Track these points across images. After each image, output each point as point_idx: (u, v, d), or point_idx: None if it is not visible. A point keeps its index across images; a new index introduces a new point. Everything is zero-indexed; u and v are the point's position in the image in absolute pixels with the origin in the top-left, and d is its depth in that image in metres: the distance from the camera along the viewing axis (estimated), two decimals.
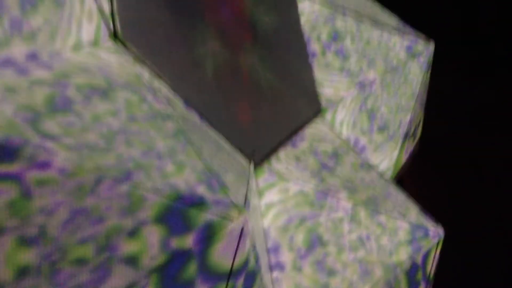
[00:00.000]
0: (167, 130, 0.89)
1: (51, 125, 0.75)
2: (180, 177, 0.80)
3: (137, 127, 0.85)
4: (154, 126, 0.87)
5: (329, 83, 1.59)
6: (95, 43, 0.97)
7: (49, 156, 0.70)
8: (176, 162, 0.80)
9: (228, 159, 1.08)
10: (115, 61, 0.95)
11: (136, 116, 0.87)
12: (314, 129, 1.50)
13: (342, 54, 1.62)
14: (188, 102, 1.09)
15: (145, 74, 1.02)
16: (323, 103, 1.53)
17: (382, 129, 1.61)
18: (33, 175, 0.68)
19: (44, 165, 0.69)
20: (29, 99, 0.76)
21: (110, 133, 0.80)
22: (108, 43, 1.00)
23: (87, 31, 0.94)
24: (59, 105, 0.79)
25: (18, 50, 0.80)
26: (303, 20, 1.68)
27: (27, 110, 0.74)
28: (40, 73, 0.82)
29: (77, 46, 0.92)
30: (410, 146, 1.78)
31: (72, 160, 0.72)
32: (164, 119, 0.91)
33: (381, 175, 1.55)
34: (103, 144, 0.78)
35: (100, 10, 0.98)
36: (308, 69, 1.59)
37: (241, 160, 1.15)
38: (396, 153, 1.61)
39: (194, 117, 1.10)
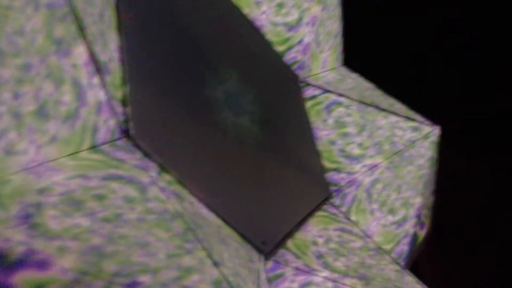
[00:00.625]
0: (175, 229, 0.90)
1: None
2: (189, 280, 0.79)
3: (146, 227, 0.86)
4: (162, 225, 0.88)
5: (336, 167, 1.60)
6: (108, 142, 1.00)
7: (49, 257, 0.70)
8: (183, 267, 0.80)
9: (237, 253, 1.08)
10: (125, 159, 0.98)
11: (144, 216, 0.88)
12: (323, 215, 1.50)
13: (348, 139, 1.65)
14: (198, 196, 1.10)
15: (155, 170, 1.04)
16: (331, 188, 1.54)
17: (391, 212, 1.60)
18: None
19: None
20: None
21: (116, 235, 0.81)
22: (120, 141, 1.03)
23: (102, 132, 0.98)
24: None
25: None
26: (308, 104, 1.73)
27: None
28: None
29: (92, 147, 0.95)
30: (422, 230, 1.75)
31: (77, 264, 0.72)
32: (173, 217, 0.92)
33: (394, 261, 1.53)
34: (109, 247, 0.78)
35: (113, 110, 1.02)
36: (315, 154, 1.61)
37: (251, 252, 1.15)
38: (408, 237, 1.59)
39: (202, 210, 1.10)
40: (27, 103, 0.82)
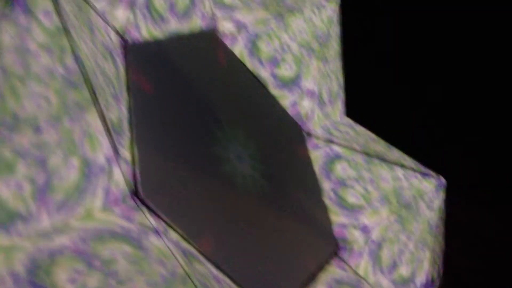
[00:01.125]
0: None
1: None
2: None
3: None
4: None
5: (343, 221, 1.60)
6: (117, 202, 1.00)
7: None
8: None
9: None
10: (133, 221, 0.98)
11: (154, 280, 0.87)
12: (331, 270, 1.48)
13: (354, 191, 1.65)
14: (205, 253, 1.10)
15: (162, 228, 1.04)
16: (339, 243, 1.53)
17: (400, 266, 1.58)
18: None
19: None
20: None
21: None
22: (129, 201, 1.03)
23: (111, 193, 0.98)
24: None
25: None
26: (313, 156, 1.74)
27: None
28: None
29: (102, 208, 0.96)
30: (435, 281, 1.72)
31: None
32: (182, 280, 0.91)
33: None
34: None
35: (123, 170, 1.03)
36: (322, 207, 1.61)
37: None
38: None
39: (210, 268, 1.10)
40: (41, 166, 0.83)
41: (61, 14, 0.88)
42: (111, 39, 1.17)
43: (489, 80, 2.70)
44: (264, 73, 1.74)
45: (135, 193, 1.03)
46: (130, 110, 1.12)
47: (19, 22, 0.80)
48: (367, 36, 2.70)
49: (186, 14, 1.51)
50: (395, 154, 1.79)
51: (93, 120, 0.93)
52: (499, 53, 2.72)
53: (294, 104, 1.78)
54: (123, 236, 0.96)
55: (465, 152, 2.62)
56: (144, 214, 1.03)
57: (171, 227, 1.07)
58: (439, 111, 2.73)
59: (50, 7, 0.86)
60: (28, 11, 0.81)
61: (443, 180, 1.66)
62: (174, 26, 1.46)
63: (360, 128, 1.95)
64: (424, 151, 1.89)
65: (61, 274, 0.80)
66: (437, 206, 1.65)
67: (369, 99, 2.51)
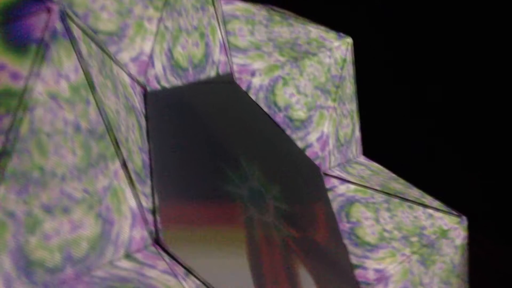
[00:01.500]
0: None
1: None
2: None
3: None
4: None
5: (364, 262, 1.58)
6: (139, 250, 1.02)
7: None
8: None
9: None
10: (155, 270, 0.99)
11: None
12: None
13: (374, 232, 1.64)
14: None
15: (183, 275, 1.05)
16: (361, 285, 1.51)
17: None
18: None
19: None
20: None
21: None
22: (150, 248, 1.05)
23: (134, 241, 1.00)
24: None
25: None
26: (330, 196, 1.74)
27: None
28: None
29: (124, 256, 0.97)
30: None
31: None
32: None
33: None
34: None
35: (144, 218, 1.04)
36: (342, 248, 1.60)
37: None
38: None
39: None
40: (66, 217, 0.85)
41: (86, 69, 0.91)
42: (133, 90, 1.21)
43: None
44: (279, 116, 1.77)
45: (156, 241, 1.05)
46: (150, 158, 1.14)
47: (47, 78, 0.84)
48: (385, 75, 2.73)
49: (203, 61, 1.56)
50: (415, 192, 1.78)
51: (117, 171, 0.95)
52: None
53: (310, 145, 1.80)
54: (144, 283, 0.96)
55: (484, 189, 2.59)
56: (166, 261, 1.04)
57: (192, 273, 1.08)
58: (458, 147, 2.72)
59: (75, 63, 0.90)
60: (55, 67, 0.85)
61: (464, 218, 1.64)
62: (192, 73, 1.50)
63: (377, 167, 1.95)
64: (443, 188, 1.87)
65: None
66: (459, 245, 1.63)
67: (386, 137, 2.52)
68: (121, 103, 1.07)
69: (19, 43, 0.80)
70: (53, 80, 0.84)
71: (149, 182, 1.10)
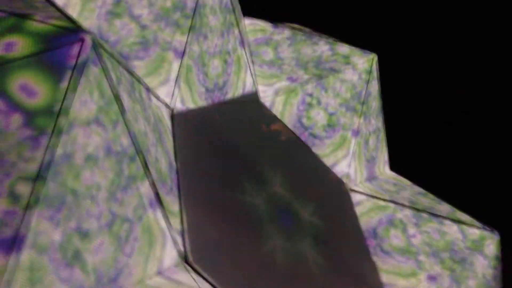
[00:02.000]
0: None
1: None
2: None
3: None
4: None
5: (393, 279, 1.56)
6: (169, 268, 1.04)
7: None
8: None
9: None
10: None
11: None
12: None
13: (403, 248, 1.62)
14: None
15: None
16: None
17: None
18: None
19: None
20: None
21: None
22: (180, 267, 1.07)
23: (164, 260, 1.02)
24: None
25: None
26: (357, 212, 1.73)
27: None
28: None
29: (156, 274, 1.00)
30: None
31: None
32: None
33: None
34: None
35: (173, 238, 1.07)
36: (372, 266, 1.58)
37: None
38: None
39: None
40: (99, 240, 0.88)
41: (116, 94, 0.95)
42: (161, 111, 1.25)
43: None
44: (304, 135, 1.78)
45: (185, 260, 1.07)
46: (178, 178, 1.17)
47: (79, 103, 0.87)
48: (410, 90, 2.72)
49: (228, 82, 1.59)
50: (445, 207, 1.75)
51: (147, 192, 0.98)
52: None
53: (336, 162, 1.80)
54: None
55: None
56: (194, 279, 1.05)
57: None
58: (488, 161, 2.67)
59: (107, 88, 0.94)
60: (88, 92, 0.89)
61: (497, 234, 1.61)
62: (218, 94, 1.53)
63: (406, 182, 1.94)
64: (474, 203, 1.84)
65: None
66: (492, 260, 1.60)
67: (414, 152, 2.49)
68: (151, 125, 1.11)
69: (56, 70, 0.84)
70: (85, 105, 0.87)
71: (177, 201, 1.13)
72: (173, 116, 1.31)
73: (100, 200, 0.88)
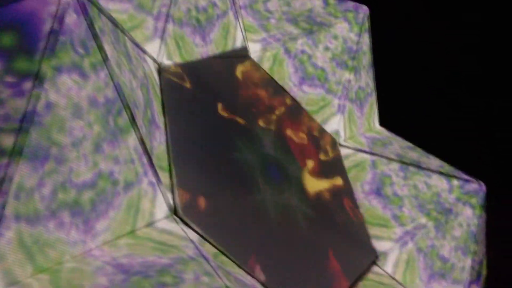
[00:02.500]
0: None
1: None
2: None
3: None
4: None
5: (380, 230, 1.59)
6: (157, 221, 1.05)
7: None
8: None
9: None
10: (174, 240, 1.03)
11: None
12: (371, 278, 1.48)
13: (390, 200, 1.65)
14: (245, 268, 1.13)
15: (202, 246, 1.08)
16: (377, 251, 1.53)
17: (441, 273, 1.56)
18: None
19: None
20: None
21: None
22: (169, 219, 1.08)
23: (153, 212, 1.04)
24: None
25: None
26: (346, 166, 1.75)
27: None
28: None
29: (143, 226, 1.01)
30: (478, 285, 1.69)
31: None
32: None
33: None
34: None
35: (162, 191, 1.08)
36: (359, 219, 1.61)
37: None
38: None
39: (249, 282, 1.12)
40: (90, 190, 0.89)
41: (101, 47, 0.94)
42: (147, 64, 1.23)
43: None
44: (295, 89, 1.77)
45: (175, 213, 1.08)
46: (166, 132, 1.17)
47: (61, 53, 0.86)
48: (401, 44, 2.70)
49: (217, 37, 1.56)
50: (432, 161, 1.77)
51: (134, 145, 0.98)
52: None
53: (326, 118, 1.80)
54: (163, 250, 1.00)
55: (504, 156, 2.56)
56: (184, 230, 1.07)
57: (210, 243, 1.11)
58: (477, 117, 2.68)
59: (91, 41, 0.92)
60: (70, 42, 0.87)
61: (483, 185, 1.64)
62: (206, 49, 1.51)
63: (395, 137, 1.95)
64: (463, 157, 1.86)
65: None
66: (477, 212, 1.63)
67: (404, 107, 2.50)
68: (137, 78, 1.10)
69: (38, 16, 0.82)
70: (67, 52, 0.86)
71: (166, 156, 1.13)
72: (161, 71, 1.30)
73: (86, 153, 0.88)
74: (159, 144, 1.13)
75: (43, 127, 0.81)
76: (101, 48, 0.92)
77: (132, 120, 0.99)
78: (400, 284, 1.52)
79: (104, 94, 0.92)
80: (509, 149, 2.59)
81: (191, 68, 1.41)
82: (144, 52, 1.28)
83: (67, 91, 0.85)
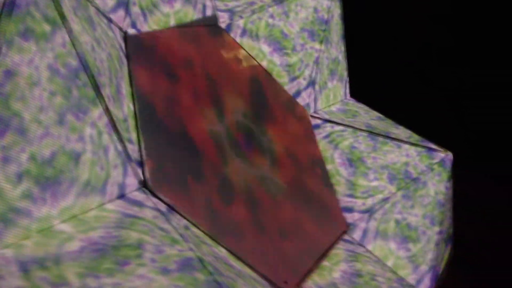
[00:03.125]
0: (196, 277, 0.91)
1: None
2: None
3: (168, 278, 0.88)
4: (184, 276, 0.90)
5: (350, 200, 1.61)
6: (126, 193, 1.03)
7: None
8: None
9: None
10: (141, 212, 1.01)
11: (165, 266, 0.90)
12: (341, 248, 1.50)
13: (360, 170, 1.66)
14: (217, 239, 1.13)
15: (172, 217, 1.07)
16: (347, 221, 1.55)
17: (409, 241, 1.60)
18: None
19: None
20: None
21: None
22: (138, 191, 1.06)
23: (121, 185, 1.01)
24: None
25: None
26: (317, 137, 1.76)
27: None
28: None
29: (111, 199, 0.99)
30: (445, 253, 1.74)
31: None
32: (194, 265, 0.94)
33: None
34: None
35: (130, 161, 1.05)
36: (330, 188, 1.63)
37: None
38: (429, 267, 1.58)
39: (221, 253, 1.12)
40: (50, 164, 0.86)
41: (63, 14, 0.89)
42: (112, 32, 1.19)
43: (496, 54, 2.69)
44: (265, 59, 1.75)
45: (144, 185, 1.06)
46: (134, 102, 1.14)
47: (21, 23, 0.82)
48: (372, 15, 2.70)
49: (184, 4, 1.52)
50: (402, 131, 1.79)
51: (99, 116, 0.95)
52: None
53: (297, 88, 1.79)
54: (132, 223, 0.98)
55: (472, 127, 2.62)
56: (153, 202, 1.05)
57: (181, 215, 1.10)
58: (446, 88, 2.73)
59: (51, 7, 0.88)
60: (31, 12, 0.83)
61: (450, 155, 1.67)
62: (174, 18, 1.47)
63: (364, 108, 1.96)
64: (432, 127, 1.89)
65: (70, 266, 0.82)
66: (445, 181, 1.66)
67: (374, 78, 2.51)
68: (101, 46, 1.06)
69: None
70: (25, 20, 0.82)
71: (133, 127, 1.10)
72: (127, 39, 1.26)
73: (49, 125, 0.85)
74: (125, 115, 1.10)
75: (1, 97, 0.77)
76: (62, 15, 0.87)
77: (97, 90, 0.95)
78: (370, 252, 1.55)
79: (66, 62, 0.88)
80: (477, 120, 2.65)
81: (158, 37, 1.37)
82: (110, 20, 1.23)
83: (26, 58, 0.81)
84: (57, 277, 0.78)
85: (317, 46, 1.84)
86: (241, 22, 1.70)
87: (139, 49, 1.27)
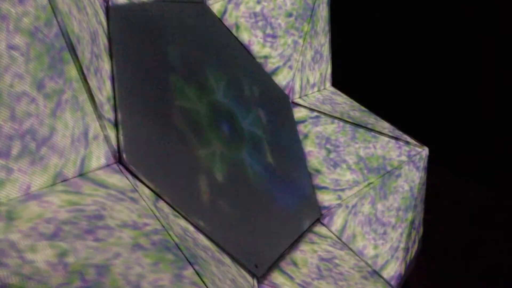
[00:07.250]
0: (169, 257, 0.90)
1: None
2: None
3: (139, 256, 0.86)
4: (155, 255, 0.89)
5: (326, 188, 1.62)
6: (102, 168, 1.01)
7: None
8: None
9: (230, 277, 1.08)
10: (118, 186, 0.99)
11: (139, 244, 0.88)
12: (314, 236, 1.51)
13: (336, 159, 1.67)
14: (190, 220, 1.11)
15: (147, 195, 1.05)
16: (322, 209, 1.56)
17: (381, 231, 1.62)
18: None
19: None
20: None
21: (110, 266, 0.81)
22: (113, 166, 1.04)
23: (96, 159, 0.99)
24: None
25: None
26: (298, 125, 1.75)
27: None
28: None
29: (86, 173, 0.96)
30: (414, 245, 1.77)
31: None
32: (167, 244, 0.93)
33: (386, 281, 1.54)
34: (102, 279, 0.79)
35: (106, 137, 1.03)
36: (306, 175, 1.63)
37: (245, 275, 1.15)
38: (399, 257, 1.61)
39: (194, 235, 1.11)
40: (31, 136, 0.83)
41: None
42: (95, 3, 1.15)
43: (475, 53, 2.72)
44: (249, 44, 1.73)
45: (119, 161, 1.04)
46: (112, 75, 1.11)
47: None
48: (359, 7, 2.69)
49: None
50: (379, 123, 1.80)
51: (77, 89, 0.92)
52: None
53: (281, 75, 1.78)
54: (106, 198, 0.96)
55: (447, 123, 2.66)
56: (128, 178, 1.04)
57: (156, 193, 1.08)
58: (425, 82, 2.75)
59: None
60: None
61: (426, 150, 1.69)
62: None
63: (345, 98, 1.96)
64: (409, 122, 1.91)
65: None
66: (419, 175, 1.68)
67: (355, 68, 2.52)
68: (82, 16, 1.02)
69: None
70: None
71: (112, 102, 1.07)
72: (109, 10, 1.22)
73: (29, 94, 0.82)
74: (104, 90, 1.07)
75: None
76: None
77: (76, 60, 0.92)
78: (340, 240, 1.56)
79: (46, 31, 0.85)
80: (451, 115, 2.69)
81: (142, 10, 1.34)
82: None
83: (2, 22, 0.77)
84: None
85: (302, 32, 1.83)
86: (224, 2, 1.67)
87: (122, 22, 1.24)
